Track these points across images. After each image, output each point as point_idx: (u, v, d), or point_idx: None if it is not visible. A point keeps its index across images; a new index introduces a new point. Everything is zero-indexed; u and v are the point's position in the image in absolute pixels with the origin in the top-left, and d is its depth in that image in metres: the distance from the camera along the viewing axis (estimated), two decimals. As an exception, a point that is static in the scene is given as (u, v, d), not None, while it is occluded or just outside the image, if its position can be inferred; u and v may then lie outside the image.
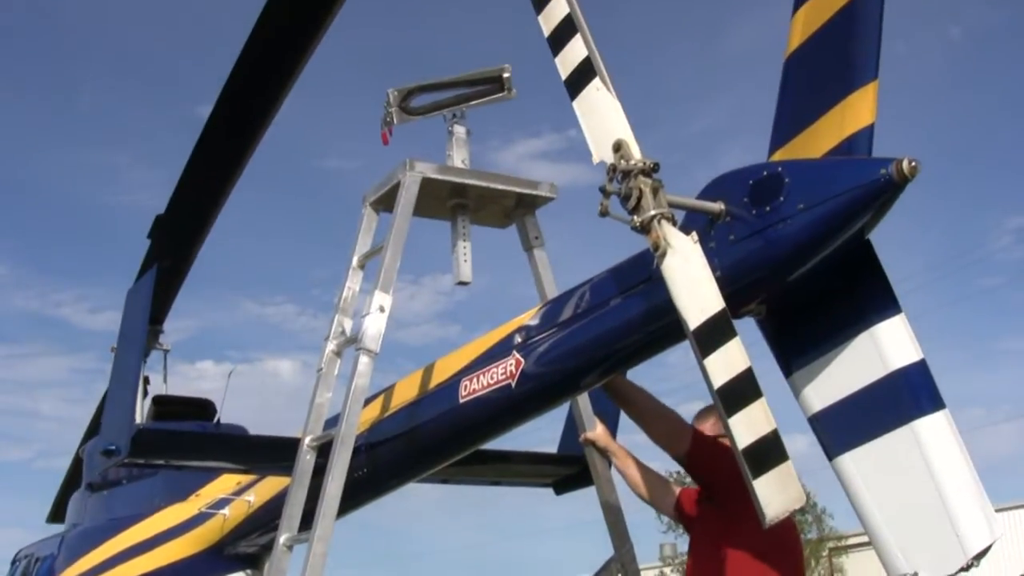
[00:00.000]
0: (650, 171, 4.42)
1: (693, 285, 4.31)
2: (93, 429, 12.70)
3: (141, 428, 7.10)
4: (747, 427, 4.09)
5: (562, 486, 8.28)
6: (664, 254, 4.35)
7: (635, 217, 4.42)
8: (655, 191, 4.39)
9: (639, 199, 4.38)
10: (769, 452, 4.08)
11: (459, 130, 6.61)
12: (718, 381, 4.17)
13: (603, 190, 4.47)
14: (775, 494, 4.07)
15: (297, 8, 6.99)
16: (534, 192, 6.50)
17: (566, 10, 4.92)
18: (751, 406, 4.11)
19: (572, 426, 7.32)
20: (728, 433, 4.13)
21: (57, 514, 14.85)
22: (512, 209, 6.67)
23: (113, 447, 6.53)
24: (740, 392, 4.14)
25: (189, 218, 9.20)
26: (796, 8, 4.74)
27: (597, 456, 6.73)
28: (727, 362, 4.17)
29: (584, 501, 7.73)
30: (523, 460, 8.42)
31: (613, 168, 4.48)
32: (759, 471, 4.05)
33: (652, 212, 4.37)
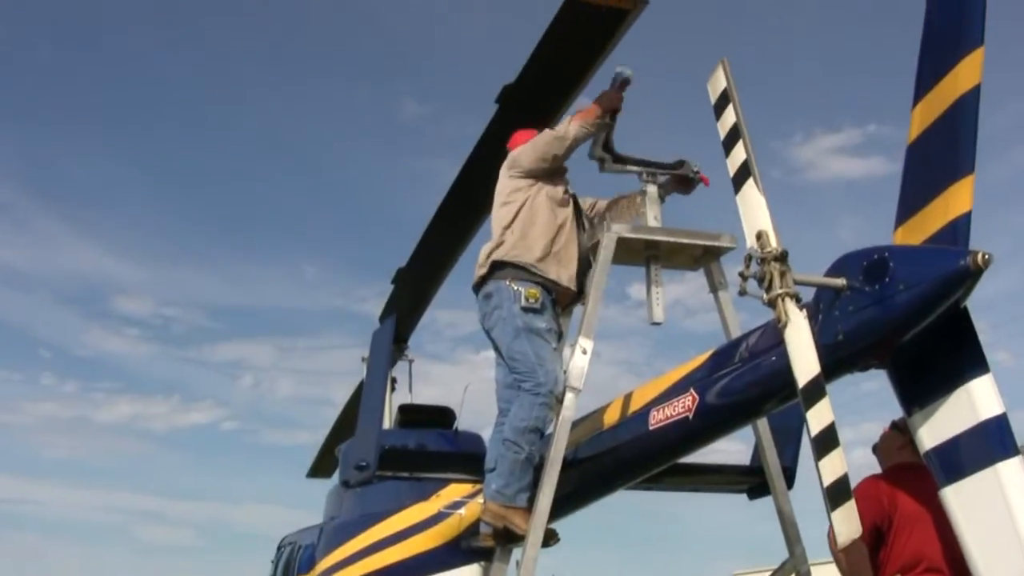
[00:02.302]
0: (780, 257, 5.43)
1: (802, 353, 5.36)
2: (345, 418, 13.97)
3: (386, 449, 8.13)
4: (829, 469, 5.11)
5: (754, 493, 9.13)
6: (785, 326, 5.41)
7: (765, 295, 5.46)
8: (782, 274, 5.40)
9: (770, 280, 5.43)
10: (841, 491, 5.10)
11: (651, 190, 7.60)
12: (814, 430, 5.21)
13: (742, 275, 5.50)
14: (844, 524, 5.09)
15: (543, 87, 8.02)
16: (717, 243, 7.44)
17: (733, 119, 5.96)
18: (832, 453, 5.13)
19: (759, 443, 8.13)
20: (818, 473, 5.13)
21: (316, 472, 16.09)
22: (700, 256, 7.56)
23: (364, 463, 7.76)
24: (826, 440, 5.16)
25: (425, 272, 10.46)
26: (914, 104, 5.56)
27: (774, 469, 7.65)
28: (820, 415, 5.22)
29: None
30: (718, 471, 9.34)
31: (749, 257, 5.50)
32: (835, 505, 5.09)
33: (778, 291, 5.40)
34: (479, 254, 7.61)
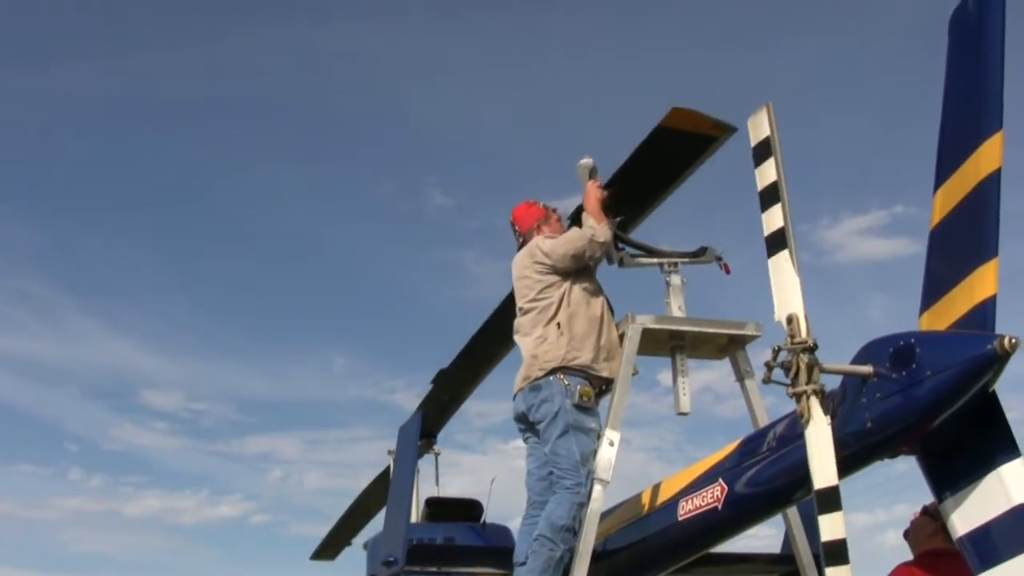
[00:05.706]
0: (810, 349, 5.37)
1: (822, 456, 5.28)
2: (358, 506, 13.96)
3: (414, 543, 8.11)
4: None
5: (786, 581, 8.97)
6: (807, 422, 5.34)
7: (790, 388, 5.40)
8: (810, 368, 5.32)
9: (796, 373, 5.36)
10: None
11: (675, 279, 7.56)
12: (824, 537, 5.13)
13: (768, 365, 5.45)
14: None
15: None
16: (742, 332, 7.43)
17: (774, 177, 5.78)
18: (841, 567, 5.06)
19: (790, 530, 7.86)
20: None
21: (320, 554, 15.81)
22: (725, 345, 7.54)
23: (392, 558, 7.72)
24: (835, 553, 5.09)
25: (465, 376, 10.51)
26: (935, 189, 5.57)
27: (805, 557, 7.47)
28: (832, 526, 5.13)
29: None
30: (749, 560, 9.23)
31: (777, 348, 5.42)
32: None
33: (804, 387, 5.33)
34: (523, 351, 7.49)
